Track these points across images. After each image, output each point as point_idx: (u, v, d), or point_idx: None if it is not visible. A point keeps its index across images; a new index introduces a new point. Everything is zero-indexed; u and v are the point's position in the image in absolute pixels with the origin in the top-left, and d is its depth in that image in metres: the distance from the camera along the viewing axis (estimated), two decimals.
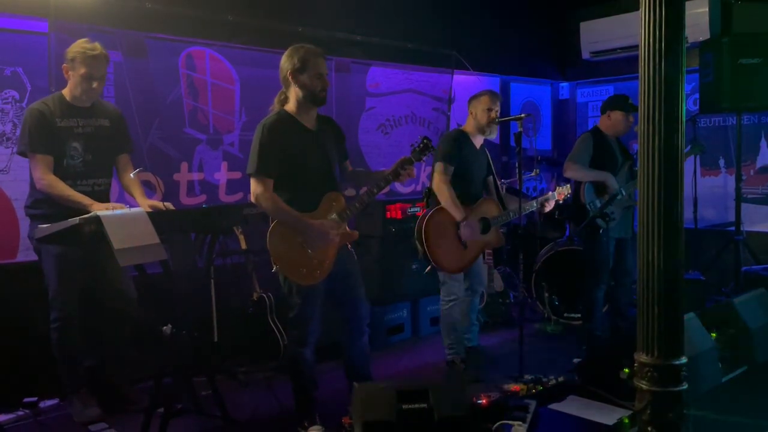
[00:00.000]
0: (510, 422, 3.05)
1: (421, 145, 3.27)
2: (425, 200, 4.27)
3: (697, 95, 5.81)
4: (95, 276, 3.49)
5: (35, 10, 3.75)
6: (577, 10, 6.94)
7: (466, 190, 4.07)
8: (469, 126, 4.16)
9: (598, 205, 4.26)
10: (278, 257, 3.06)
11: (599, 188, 4.39)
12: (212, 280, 4.15)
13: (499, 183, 4.34)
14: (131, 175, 3.53)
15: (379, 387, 2.75)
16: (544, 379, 3.72)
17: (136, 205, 3.43)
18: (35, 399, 3.62)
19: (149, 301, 3.54)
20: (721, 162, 6.37)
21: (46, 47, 3.81)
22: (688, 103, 6.26)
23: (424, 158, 3.32)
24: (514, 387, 3.62)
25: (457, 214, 3.93)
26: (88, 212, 3.03)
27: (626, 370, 3.30)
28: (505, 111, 6.76)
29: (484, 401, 3.22)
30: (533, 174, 5.10)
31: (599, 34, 6.66)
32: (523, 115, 3.98)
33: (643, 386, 1.86)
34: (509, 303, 5.43)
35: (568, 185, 4.40)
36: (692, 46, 5.64)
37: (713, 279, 5.55)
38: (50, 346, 3.43)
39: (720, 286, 5.54)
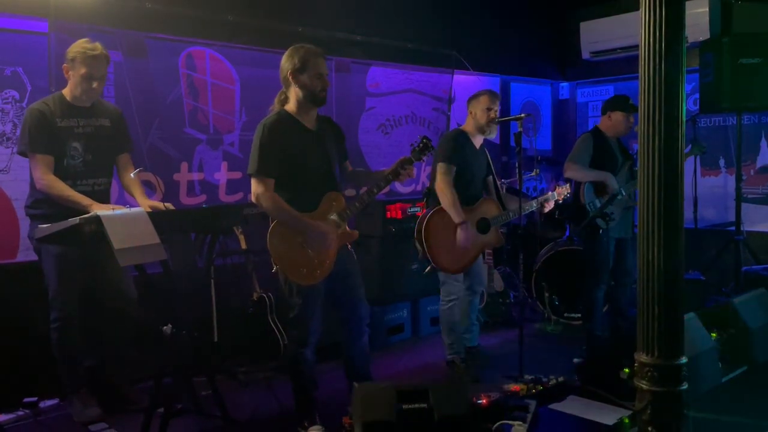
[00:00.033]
0: (510, 422, 3.04)
1: (421, 145, 3.27)
2: (425, 200, 4.28)
3: (697, 95, 5.81)
4: (95, 276, 3.49)
5: (35, 10, 3.75)
6: (577, 10, 6.94)
7: (466, 190, 4.07)
8: (468, 126, 4.15)
9: (598, 205, 4.26)
10: (278, 257, 3.06)
11: (599, 188, 4.39)
12: (212, 280, 4.15)
13: (498, 183, 4.34)
14: (131, 174, 3.53)
15: (379, 387, 2.75)
16: (544, 379, 3.72)
17: (137, 205, 3.43)
18: (35, 399, 3.62)
19: (149, 301, 3.54)
20: (721, 162, 6.37)
21: (46, 47, 3.82)
22: (688, 103, 6.25)
23: (424, 158, 3.32)
24: (514, 387, 3.61)
25: (456, 216, 3.93)
26: (88, 212, 3.03)
27: (626, 370, 3.30)
28: (505, 111, 6.77)
29: (484, 401, 3.22)
30: (533, 174, 5.10)
31: (599, 34, 6.66)
32: (523, 115, 3.98)
33: (643, 386, 1.86)
34: (509, 303, 5.43)
35: (568, 185, 4.40)
36: (692, 46, 5.64)
37: (713, 279, 5.55)
38: (50, 346, 3.43)
39: (720, 286, 5.54)
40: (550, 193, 4.24)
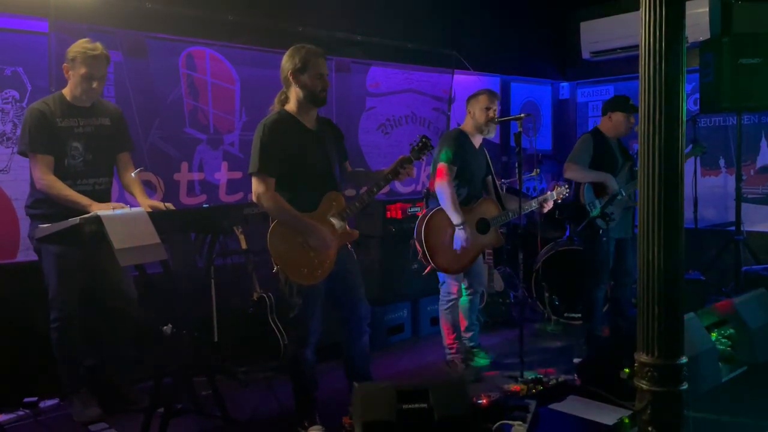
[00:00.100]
0: (510, 422, 3.05)
1: (420, 144, 3.27)
2: (425, 200, 4.28)
3: (697, 95, 5.81)
4: (95, 276, 3.49)
5: (35, 10, 3.75)
6: (577, 10, 6.95)
7: (466, 190, 4.08)
8: (467, 125, 4.15)
9: (598, 205, 4.26)
10: (279, 257, 3.06)
11: (599, 189, 4.39)
12: (212, 280, 4.15)
13: (498, 183, 4.34)
14: (132, 174, 3.53)
15: (379, 387, 2.75)
16: (544, 379, 3.72)
17: (137, 205, 3.43)
18: (35, 399, 3.62)
19: (149, 301, 3.53)
20: (722, 162, 6.37)
21: (47, 47, 3.82)
22: (688, 103, 6.25)
23: (423, 157, 3.32)
24: (514, 387, 3.62)
25: (455, 218, 3.93)
26: (88, 212, 3.03)
27: (626, 370, 3.30)
28: (505, 111, 6.77)
29: (484, 401, 3.22)
30: (533, 174, 5.10)
31: (599, 34, 6.66)
32: (522, 115, 3.98)
33: (643, 386, 1.86)
34: (509, 303, 5.42)
35: (566, 185, 4.40)
36: (692, 46, 5.64)
37: (713, 279, 5.55)
38: (50, 346, 3.43)
39: (720, 286, 5.54)
40: (549, 193, 4.24)
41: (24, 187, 3.58)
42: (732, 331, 3.59)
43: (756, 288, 4.18)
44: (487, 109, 4.06)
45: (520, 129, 3.91)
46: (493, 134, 4.21)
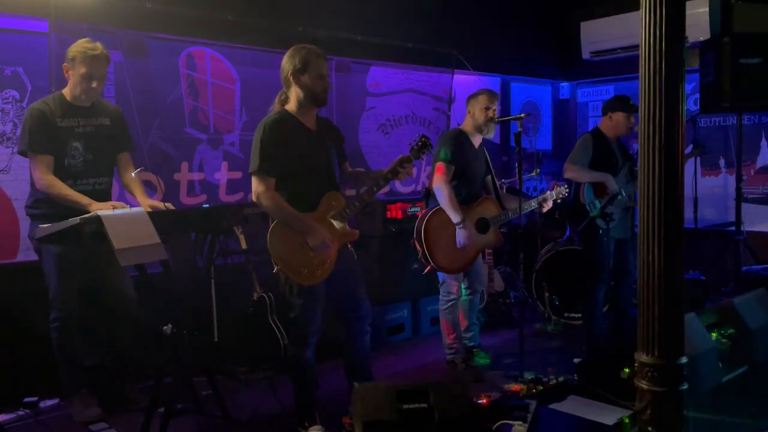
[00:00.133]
0: (510, 422, 3.05)
1: (419, 144, 3.27)
2: (425, 200, 4.28)
3: (697, 95, 5.81)
4: (95, 276, 3.49)
5: (35, 10, 3.76)
6: (577, 10, 6.95)
7: (466, 189, 4.08)
8: (467, 125, 4.16)
9: (598, 205, 4.26)
10: (279, 257, 3.06)
11: (598, 189, 4.39)
12: (212, 280, 4.15)
13: (497, 183, 4.34)
14: (132, 174, 3.53)
15: (380, 387, 2.75)
16: (544, 379, 3.72)
17: (137, 205, 3.43)
18: (35, 399, 3.63)
19: (149, 301, 3.53)
20: (722, 162, 6.37)
21: (47, 47, 3.82)
22: (688, 103, 6.26)
23: (423, 156, 3.32)
24: (514, 387, 3.62)
25: (454, 216, 3.93)
26: (88, 212, 3.03)
27: (626, 370, 3.30)
28: (505, 111, 6.77)
29: (484, 401, 3.22)
30: (533, 174, 5.10)
31: (599, 34, 6.66)
32: (523, 115, 3.98)
33: (643, 386, 1.85)
34: (509, 303, 5.42)
35: (566, 185, 4.40)
36: (692, 46, 5.64)
37: (713, 279, 5.55)
38: (50, 346, 3.43)
39: (720, 286, 5.54)
40: (548, 192, 4.25)
41: (24, 187, 3.58)
42: (732, 330, 3.60)
43: (756, 288, 4.19)
44: (487, 109, 4.06)
45: (520, 129, 3.92)
46: (492, 134, 4.21)
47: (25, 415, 3.53)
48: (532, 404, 3.25)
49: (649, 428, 1.85)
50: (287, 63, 3.12)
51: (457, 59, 5.88)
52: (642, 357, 1.86)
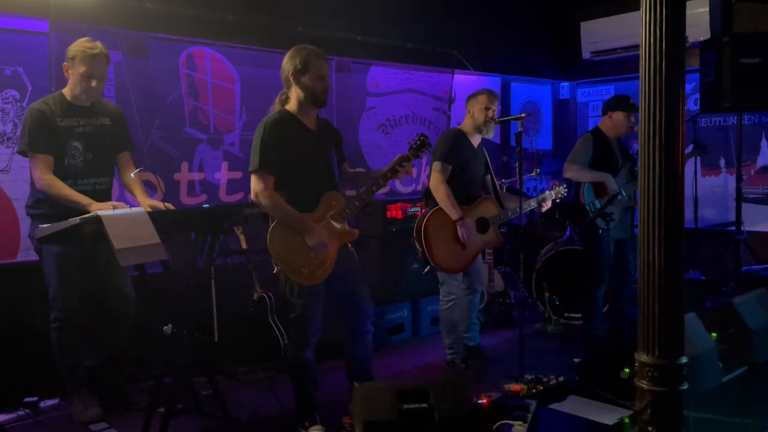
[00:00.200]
0: (510, 422, 3.05)
1: (418, 143, 3.27)
2: (424, 200, 4.28)
3: (697, 95, 5.82)
4: (95, 276, 3.49)
5: (35, 10, 3.76)
6: (577, 10, 6.95)
7: (465, 189, 4.08)
8: (466, 125, 4.16)
9: (598, 205, 4.26)
10: (279, 258, 3.06)
11: (598, 189, 4.39)
12: (213, 280, 4.15)
13: (497, 182, 4.34)
14: (132, 174, 3.53)
15: (380, 387, 2.75)
16: (544, 379, 3.72)
17: (137, 205, 3.43)
18: (35, 399, 3.62)
19: (149, 301, 3.53)
20: (722, 162, 6.37)
21: (47, 47, 3.82)
22: (688, 103, 6.26)
23: (422, 155, 3.31)
24: (514, 387, 3.62)
25: (453, 213, 3.93)
26: (88, 212, 3.03)
27: (626, 370, 3.30)
28: (505, 111, 6.77)
29: (484, 401, 3.22)
30: (533, 174, 5.10)
31: (599, 34, 6.66)
32: (523, 115, 3.98)
33: (644, 386, 1.86)
34: (509, 303, 5.42)
35: (565, 185, 4.41)
36: (692, 46, 5.64)
37: (713, 279, 5.55)
38: (50, 346, 3.42)
39: (720, 286, 5.54)
40: (548, 192, 4.25)
41: (24, 187, 3.58)
42: (732, 331, 3.60)
43: (756, 288, 4.19)
44: (487, 109, 4.06)
45: (520, 129, 3.91)
46: (492, 134, 4.21)
47: (25, 415, 3.52)
48: (532, 404, 3.25)
49: (649, 428, 1.85)
50: (288, 63, 3.12)
51: (457, 59, 5.88)
52: (642, 357, 1.87)
